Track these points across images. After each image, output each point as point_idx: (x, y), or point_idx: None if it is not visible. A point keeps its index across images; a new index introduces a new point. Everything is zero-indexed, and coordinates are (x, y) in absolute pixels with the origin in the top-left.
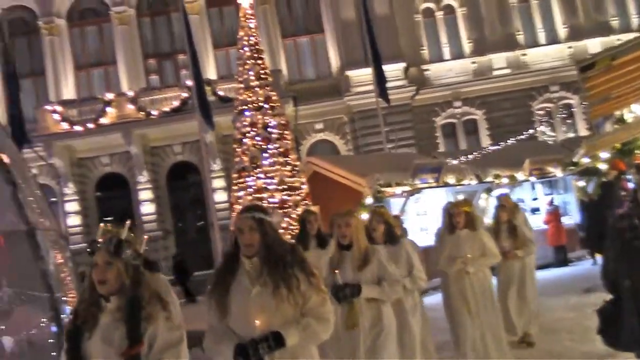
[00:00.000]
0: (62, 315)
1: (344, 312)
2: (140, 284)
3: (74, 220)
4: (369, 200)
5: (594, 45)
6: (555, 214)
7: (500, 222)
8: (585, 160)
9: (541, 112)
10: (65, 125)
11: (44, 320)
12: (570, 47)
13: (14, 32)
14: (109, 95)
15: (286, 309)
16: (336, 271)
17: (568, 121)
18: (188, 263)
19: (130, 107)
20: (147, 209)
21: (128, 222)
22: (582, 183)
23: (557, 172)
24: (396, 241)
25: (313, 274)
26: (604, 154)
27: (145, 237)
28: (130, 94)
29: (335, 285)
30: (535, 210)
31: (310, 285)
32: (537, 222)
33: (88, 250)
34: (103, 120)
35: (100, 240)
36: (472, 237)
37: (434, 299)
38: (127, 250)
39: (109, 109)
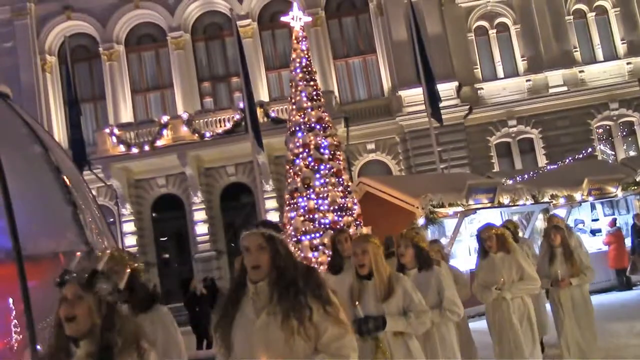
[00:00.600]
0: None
1: (369, 348)
2: (113, 326)
3: (131, 241)
4: (421, 221)
5: None
6: (617, 235)
7: (554, 245)
8: None
9: (600, 130)
10: (122, 148)
11: None
12: (629, 63)
13: (77, 59)
14: (165, 118)
15: (297, 344)
16: (357, 303)
17: (628, 139)
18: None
19: (184, 130)
20: (201, 229)
21: (109, 252)
22: None
23: (618, 192)
24: (428, 267)
25: (330, 302)
26: None
27: (135, 266)
28: (185, 116)
29: (357, 318)
30: (595, 232)
31: (327, 316)
32: (598, 244)
33: (57, 281)
34: (159, 143)
35: (73, 271)
36: (507, 261)
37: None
38: (103, 285)
39: (164, 131)
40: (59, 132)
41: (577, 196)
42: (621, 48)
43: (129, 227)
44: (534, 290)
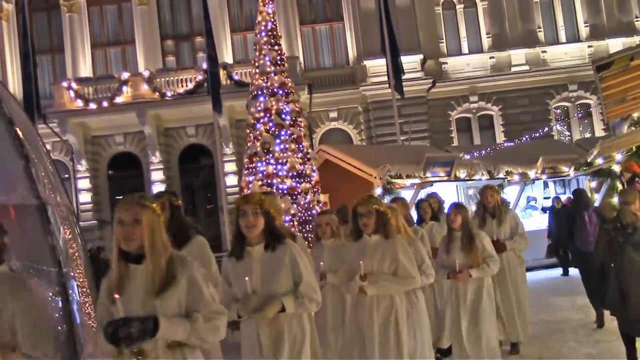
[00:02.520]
0: (69, 291)
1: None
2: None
3: (86, 197)
4: (378, 190)
5: (615, 45)
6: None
7: (453, 228)
8: (600, 161)
9: (558, 111)
10: (80, 103)
11: (51, 294)
12: (590, 47)
13: (35, 8)
14: (125, 75)
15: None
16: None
17: (585, 121)
18: None
19: (145, 88)
20: (158, 189)
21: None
22: (594, 183)
23: (570, 171)
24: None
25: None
26: (619, 156)
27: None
28: (146, 74)
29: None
30: (546, 209)
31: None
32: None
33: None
34: (118, 99)
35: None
36: (382, 248)
37: None
38: None
39: (124, 88)
40: (14, 83)
41: (531, 174)
42: (584, 31)
43: (84, 183)
44: (405, 288)
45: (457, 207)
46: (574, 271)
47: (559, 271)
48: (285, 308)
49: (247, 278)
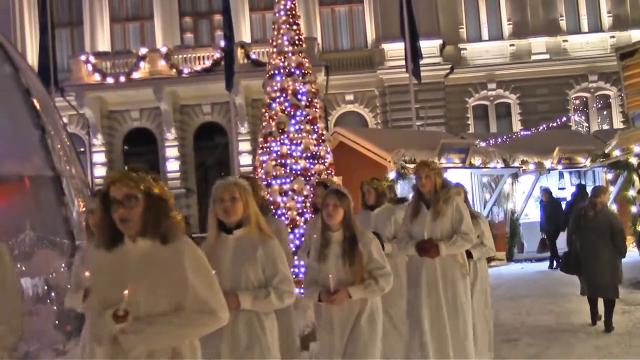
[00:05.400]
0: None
1: None
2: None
3: (101, 171)
4: (392, 175)
5: (638, 36)
6: None
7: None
8: (617, 153)
9: (577, 101)
10: (97, 77)
11: (63, 265)
12: (613, 37)
13: None
14: (143, 50)
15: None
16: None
17: (603, 113)
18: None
19: (162, 64)
20: (172, 166)
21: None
22: (610, 175)
23: (587, 162)
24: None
25: None
26: (637, 148)
27: None
28: (164, 50)
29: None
30: (561, 200)
31: None
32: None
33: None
34: (135, 75)
35: None
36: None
37: None
38: None
39: (141, 64)
40: (32, 55)
41: (547, 164)
42: (607, 21)
43: (100, 157)
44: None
45: (336, 194)
46: None
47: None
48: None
49: None
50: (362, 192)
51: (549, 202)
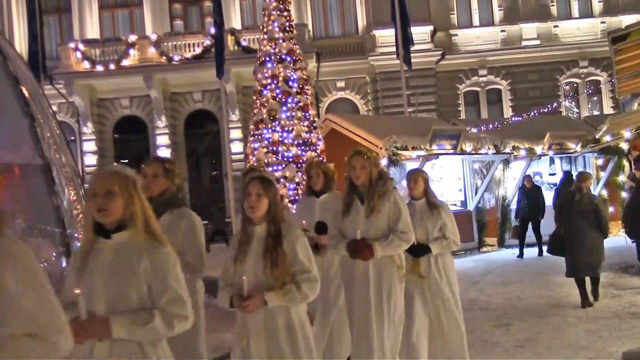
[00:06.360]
0: (72, 251)
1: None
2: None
3: (91, 160)
4: (384, 161)
5: (629, 21)
6: None
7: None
8: (608, 139)
9: (567, 87)
10: (87, 64)
11: (54, 255)
12: (603, 22)
13: None
14: (132, 38)
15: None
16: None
17: (594, 98)
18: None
19: (152, 51)
20: (163, 154)
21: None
22: (600, 161)
23: (577, 148)
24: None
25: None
26: (628, 133)
27: None
28: (154, 37)
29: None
30: (552, 185)
31: None
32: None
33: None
34: (125, 62)
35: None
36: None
37: None
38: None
39: (131, 51)
40: (20, 43)
41: (538, 149)
42: (597, 6)
43: (90, 146)
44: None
45: (260, 181)
46: None
47: None
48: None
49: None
50: (309, 175)
51: (531, 189)
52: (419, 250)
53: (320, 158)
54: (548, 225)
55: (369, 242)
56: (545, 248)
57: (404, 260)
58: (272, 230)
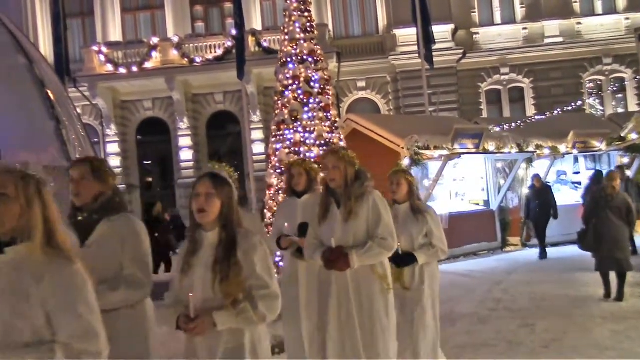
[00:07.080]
0: None
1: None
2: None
3: (115, 162)
4: (406, 161)
5: None
6: None
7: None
8: (634, 137)
9: (591, 85)
10: (110, 67)
11: None
12: (627, 19)
13: None
14: (154, 40)
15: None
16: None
17: (618, 96)
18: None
19: (174, 53)
20: (186, 155)
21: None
22: (626, 159)
23: (602, 146)
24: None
25: None
26: None
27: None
28: (175, 39)
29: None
30: (576, 184)
31: None
32: (577, 196)
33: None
34: (147, 65)
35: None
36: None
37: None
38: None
39: (153, 54)
40: (45, 46)
41: (562, 148)
42: (621, 2)
43: (113, 148)
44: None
45: (212, 180)
46: None
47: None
48: None
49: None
50: (291, 175)
51: (541, 189)
52: (403, 260)
53: None
54: (565, 224)
55: (346, 251)
56: (576, 246)
57: (387, 269)
58: (224, 237)
